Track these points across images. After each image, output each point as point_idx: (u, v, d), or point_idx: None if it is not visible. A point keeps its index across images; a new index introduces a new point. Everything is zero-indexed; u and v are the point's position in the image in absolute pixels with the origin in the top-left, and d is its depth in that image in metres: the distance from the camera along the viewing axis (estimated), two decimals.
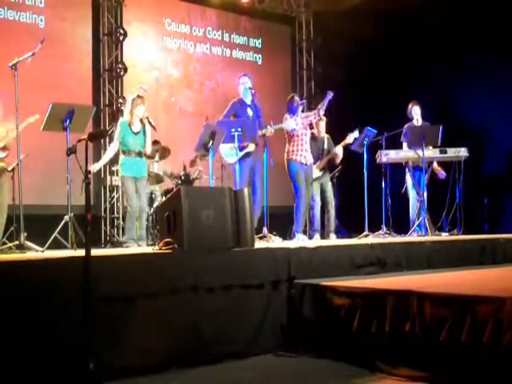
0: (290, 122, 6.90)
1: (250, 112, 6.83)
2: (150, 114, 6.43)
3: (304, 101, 7.35)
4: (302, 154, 6.99)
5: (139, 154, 6.33)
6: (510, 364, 3.04)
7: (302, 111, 7.08)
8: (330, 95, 6.92)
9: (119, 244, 7.92)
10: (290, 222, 7.17)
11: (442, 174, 7.64)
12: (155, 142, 7.35)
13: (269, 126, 6.75)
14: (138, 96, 6.39)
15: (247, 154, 6.69)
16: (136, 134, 6.30)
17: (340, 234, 9.04)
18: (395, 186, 7.69)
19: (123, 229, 8.58)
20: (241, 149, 6.55)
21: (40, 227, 5.78)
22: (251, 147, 6.72)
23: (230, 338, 3.99)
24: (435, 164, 7.63)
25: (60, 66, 8.69)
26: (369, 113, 8.83)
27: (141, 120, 6.31)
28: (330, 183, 8.07)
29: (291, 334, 4.25)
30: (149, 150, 6.43)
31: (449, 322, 3.32)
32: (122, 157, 6.32)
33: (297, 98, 7.12)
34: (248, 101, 6.87)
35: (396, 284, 4.14)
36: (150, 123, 6.33)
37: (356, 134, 7.59)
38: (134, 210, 6.25)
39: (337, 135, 7.97)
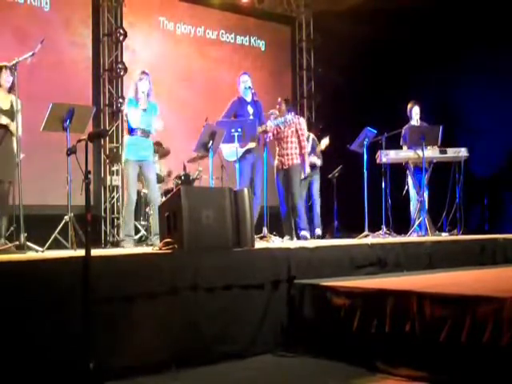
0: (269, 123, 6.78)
1: (250, 110, 6.81)
2: None
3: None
4: (278, 158, 7.08)
5: (145, 134, 5.92)
6: (510, 364, 3.04)
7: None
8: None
9: (118, 244, 7.91)
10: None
11: None
12: (156, 144, 7.32)
13: (269, 121, 6.73)
14: (143, 72, 6.07)
15: (248, 152, 6.68)
16: (143, 110, 5.91)
17: (337, 234, 9.07)
18: (395, 186, 7.69)
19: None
20: (241, 146, 6.52)
21: (40, 227, 5.77)
22: (252, 144, 6.71)
23: (230, 338, 3.98)
24: None
25: (60, 66, 8.68)
26: (369, 113, 8.83)
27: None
28: (318, 182, 8.13)
29: (291, 334, 4.25)
30: (155, 127, 5.98)
31: (449, 322, 3.32)
32: (126, 137, 5.92)
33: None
34: (248, 99, 6.84)
35: (396, 284, 4.14)
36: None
37: (326, 140, 7.62)
38: (131, 201, 5.88)
39: (336, 135, 7.97)
